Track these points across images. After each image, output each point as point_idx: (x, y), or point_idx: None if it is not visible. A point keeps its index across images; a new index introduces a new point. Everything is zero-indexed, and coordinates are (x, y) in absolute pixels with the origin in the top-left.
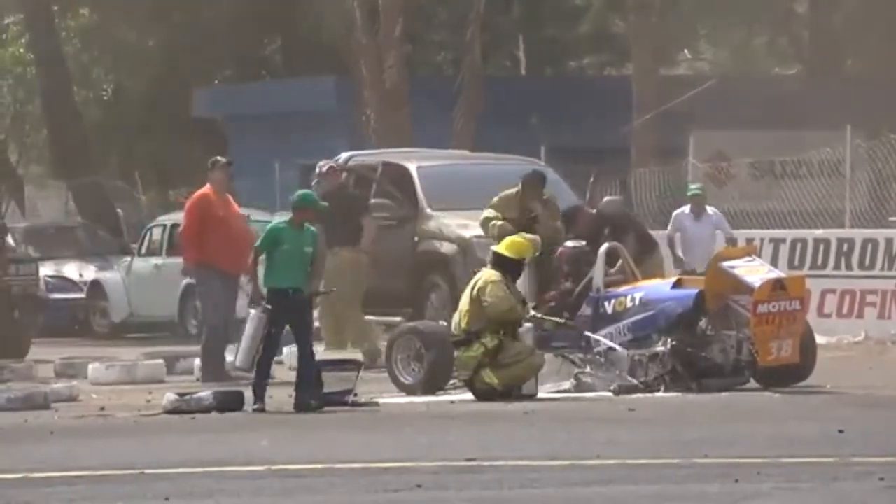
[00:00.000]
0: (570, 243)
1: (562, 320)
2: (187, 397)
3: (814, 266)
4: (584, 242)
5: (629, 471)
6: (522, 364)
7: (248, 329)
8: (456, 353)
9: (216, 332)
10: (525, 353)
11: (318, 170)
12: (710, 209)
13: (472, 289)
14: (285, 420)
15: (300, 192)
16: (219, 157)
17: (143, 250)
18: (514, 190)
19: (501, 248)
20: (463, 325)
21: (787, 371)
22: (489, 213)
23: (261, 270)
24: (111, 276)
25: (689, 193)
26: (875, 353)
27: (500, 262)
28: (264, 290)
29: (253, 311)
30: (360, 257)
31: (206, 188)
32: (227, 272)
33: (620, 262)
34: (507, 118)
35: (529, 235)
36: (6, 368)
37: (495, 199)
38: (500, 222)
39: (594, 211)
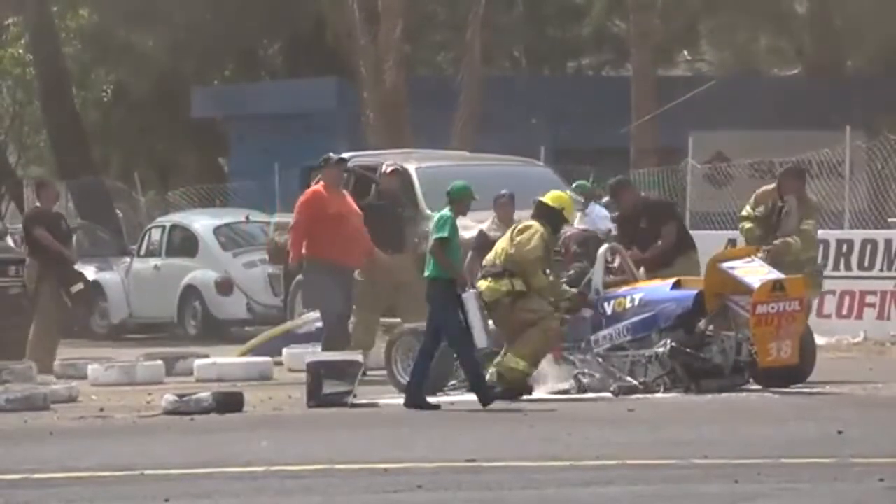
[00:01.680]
0: (579, 226)
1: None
2: (186, 398)
3: None
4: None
5: (628, 471)
6: (540, 330)
7: (471, 309)
8: (484, 283)
9: (336, 331)
10: (544, 311)
11: (381, 169)
12: (596, 206)
13: (513, 230)
14: (285, 421)
15: (458, 182)
16: (331, 154)
17: (143, 251)
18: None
19: (546, 197)
20: (498, 262)
21: (785, 371)
22: (746, 210)
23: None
24: (110, 277)
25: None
26: (874, 354)
27: (541, 212)
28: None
29: (465, 293)
30: (392, 262)
31: (319, 185)
32: (342, 267)
33: (619, 261)
34: (507, 118)
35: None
36: (6, 370)
37: (758, 191)
38: (748, 225)
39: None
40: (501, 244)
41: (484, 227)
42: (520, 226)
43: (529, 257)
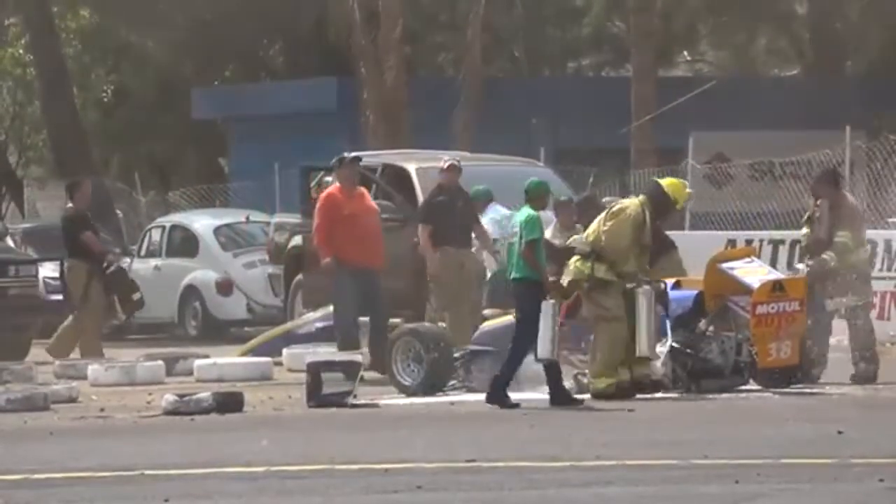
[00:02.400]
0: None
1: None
2: (187, 398)
3: None
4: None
5: (628, 472)
6: (605, 339)
7: (544, 319)
8: (574, 259)
9: (348, 334)
10: (614, 313)
11: (441, 164)
12: (496, 207)
13: (607, 212)
14: (285, 421)
15: (534, 179)
16: (345, 154)
17: (143, 251)
18: None
19: (664, 181)
20: (590, 239)
21: (786, 371)
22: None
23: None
24: None
25: None
26: None
27: (653, 193)
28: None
29: (545, 302)
30: (464, 257)
31: (334, 186)
32: (360, 268)
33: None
34: (507, 119)
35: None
36: (6, 370)
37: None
38: (804, 230)
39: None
40: (594, 225)
41: (548, 234)
42: (614, 208)
43: (618, 246)
